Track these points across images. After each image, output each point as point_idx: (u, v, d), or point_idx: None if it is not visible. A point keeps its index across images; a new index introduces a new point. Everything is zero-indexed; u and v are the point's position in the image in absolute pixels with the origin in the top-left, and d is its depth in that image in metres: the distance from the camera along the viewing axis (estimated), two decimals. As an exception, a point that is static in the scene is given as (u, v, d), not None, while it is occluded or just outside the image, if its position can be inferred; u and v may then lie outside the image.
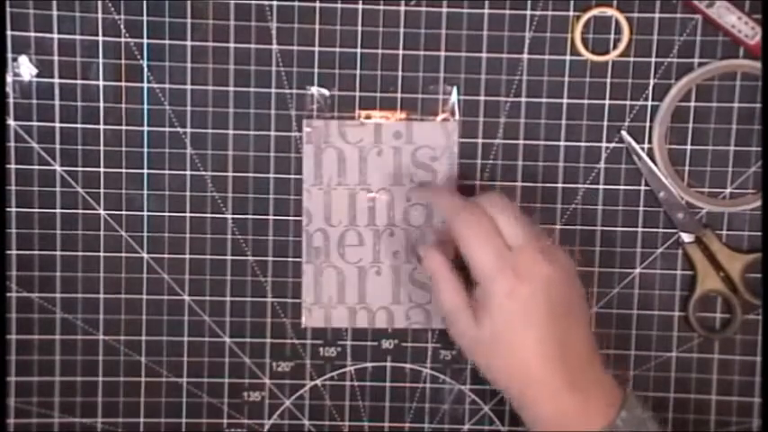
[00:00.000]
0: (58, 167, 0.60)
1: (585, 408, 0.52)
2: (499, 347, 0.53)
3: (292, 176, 0.61)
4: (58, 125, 0.60)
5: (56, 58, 0.59)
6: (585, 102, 0.60)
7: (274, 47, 0.60)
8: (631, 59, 0.60)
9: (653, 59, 0.60)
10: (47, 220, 0.61)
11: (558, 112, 0.60)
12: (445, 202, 0.57)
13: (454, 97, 0.60)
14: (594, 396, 0.53)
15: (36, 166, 0.60)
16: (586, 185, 0.61)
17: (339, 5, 0.59)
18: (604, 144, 0.61)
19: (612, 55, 0.60)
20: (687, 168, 0.61)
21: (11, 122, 0.60)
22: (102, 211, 0.61)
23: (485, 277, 0.52)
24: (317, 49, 0.60)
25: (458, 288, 0.55)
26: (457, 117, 0.61)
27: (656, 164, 0.60)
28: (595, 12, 0.59)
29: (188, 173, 0.61)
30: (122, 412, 0.63)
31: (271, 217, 0.62)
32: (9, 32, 0.59)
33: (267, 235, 0.62)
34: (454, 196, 0.57)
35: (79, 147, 0.60)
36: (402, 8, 0.59)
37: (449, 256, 0.56)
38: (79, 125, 0.60)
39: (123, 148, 0.60)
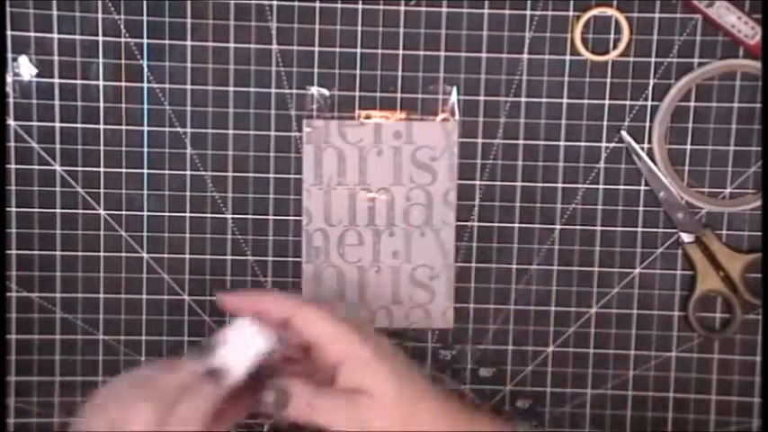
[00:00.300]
0: (58, 167, 0.60)
1: None
2: (403, 398, 0.49)
3: (292, 176, 0.61)
4: (57, 125, 0.60)
5: (56, 58, 0.59)
6: (585, 102, 0.60)
7: (274, 47, 0.60)
8: (631, 59, 0.60)
9: (653, 59, 0.60)
10: (47, 220, 0.61)
11: (558, 112, 0.60)
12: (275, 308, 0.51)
13: (454, 97, 0.60)
14: (487, 422, 0.52)
15: (36, 166, 0.60)
16: (586, 185, 0.61)
17: (339, 5, 0.59)
18: (604, 144, 0.61)
19: (612, 55, 0.60)
20: (687, 168, 0.61)
21: (11, 122, 0.60)
22: (102, 211, 0.61)
23: (349, 353, 0.49)
24: (316, 49, 0.60)
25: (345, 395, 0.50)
26: (457, 117, 0.61)
27: (655, 164, 0.60)
28: (595, 12, 0.59)
29: (188, 173, 0.61)
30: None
31: (271, 217, 0.62)
32: (9, 32, 0.59)
33: (267, 235, 0.62)
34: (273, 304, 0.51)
35: (79, 147, 0.60)
36: (402, 8, 0.59)
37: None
38: (79, 125, 0.60)
39: (123, 148, 0.60)
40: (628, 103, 0.60)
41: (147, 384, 0.47)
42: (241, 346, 0.48)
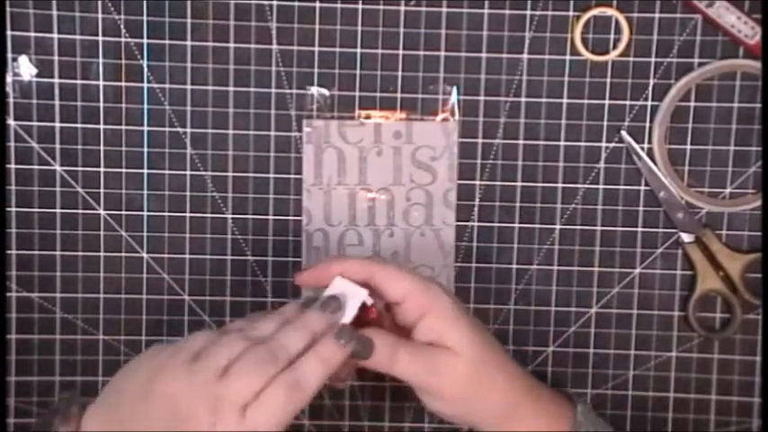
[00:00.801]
0: (58, 167, 0.60)
1: (545, 412, 0.52)
2: (485, 359, 0.51)
3: (292, 176, 0.61)
4: (58, 125, 0.60)
5: (56, 58, 0.59)
6: (585, 102, 0.60)
7: (274, 47, 0.60)
8: (631, 59, 0.60)
9: (653, 59, 0.60)
10: (47, 220, 0.61)
11: (558, 112, 0.60)
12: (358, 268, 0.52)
13: (454, 97, 0.60)
14: (544, 397, 0.53)
15: (36, 166, 0.60)
16: (586, 185, 0.61)
17: (339, 5, 0.59)
18: (604, 144, 0.61)
19: (612, 55, 0.60)
20: (687, 168, 0.61)
21: (11, 122, 0.60)
22: (102, 211, 0.61)
23: (432, 306, 0.50)
24: (316, 49, 0.60)
25: (418, 344, 0.51)
26: (457, 117, 0.61)
27: (655, 164, 0.60)
28: (595, 12, 0.59)
29: (188, 173, 0.61)
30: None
31: (271, 217, 0.62)
32: (9, 32, 0.59)
33: (267, 235, 0.62)
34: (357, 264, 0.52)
35: (79, 147, 0.60)
36: (402, 8, 0.60)
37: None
38: (79, 125, 0.60)
39: (123, 148, 0.60)
40: (628, 103, 0.60)
41: (263, 339, 0.47)
42: (344, 302, 0.50)
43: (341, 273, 0.51)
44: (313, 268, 0.53)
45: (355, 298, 0.50)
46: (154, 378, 0.46)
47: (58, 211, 0.61)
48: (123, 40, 0.59)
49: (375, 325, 0.51)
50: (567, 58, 0.60)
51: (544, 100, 0.60)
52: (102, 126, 0.60)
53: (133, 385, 0.46)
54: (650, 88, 0.60)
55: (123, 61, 0.59)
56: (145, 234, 0.61)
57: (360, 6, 0.59)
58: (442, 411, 0.52)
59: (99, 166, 0.61)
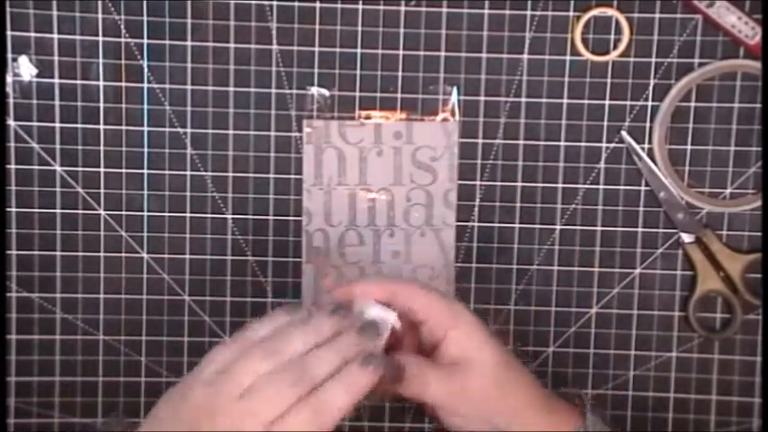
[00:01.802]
0: (58, 167, 0.60)
1: (557, 424, 0.52)
2: (499, 375, 0.51)
3: (292, 176, 0.61)
4: (58, 125, 0.60)
5: (56, 58, 0.59)
6: (585, 102, 0.60)
7: (274, 47, 0.60)
8: (631, 59, 0.60)
9: (653, 59, 0.60)
10: (47, 220, 0.61)
11: (558, 112, 0.60)
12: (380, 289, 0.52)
13: (454, 97, 0.60)
14: (558, 408, 0.53)
15: (36, 166, 0.60)
16: (586, 185, 0.61)
17: (339, 5, 0.59)
18: (604, 144, 0.61)
19: (612, 55, 0.60)
20: (687, 168, 0.61)
21: (11, 122, 0.60)
22: (102, 211, 0.61)
23: (456, 323, 0.50)
24: (317, 49, 0.60)
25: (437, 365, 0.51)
26: (457, 117, 0.61)
27: (656, 164, 0.60)
28: (595, 12, 0.59)
29: (188, 173, 0.61)
30: (122, 412, 0.63)
31: (271, 217, 0.62)
32: (9, 32, 0.59)
33: (267, 235, 0.62)
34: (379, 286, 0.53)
35: (79, 147, 0.60)
36: (402, 8, 0.59)
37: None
38: (79, 125, 0.60)
39: (123, 148, 0.60)
40: (628, 103, 0.60)
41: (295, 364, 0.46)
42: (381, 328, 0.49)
43: (363, 293, 0.50)
44: (336, 291, 0.52)
45: (386, 321, 0.49)
46: (183, 399, 0.45)
47: (58, 211, 0.61)
48: (123, 40, 0.59)
49: (394, 343, 0.51)
50: (568, 58, 0.60)
51: (544, 100, 0.60)
52: (102, 126, 0.60)
53: (168, 411, 0.46)
54: (650, 88, 0.60)
55: (123, 61, 0.59)
56: (145, 234, 0.61)
57: (360, 6, 0.59)
58: (460, 427, 0.52)
59: (99, 167, 0.61)
